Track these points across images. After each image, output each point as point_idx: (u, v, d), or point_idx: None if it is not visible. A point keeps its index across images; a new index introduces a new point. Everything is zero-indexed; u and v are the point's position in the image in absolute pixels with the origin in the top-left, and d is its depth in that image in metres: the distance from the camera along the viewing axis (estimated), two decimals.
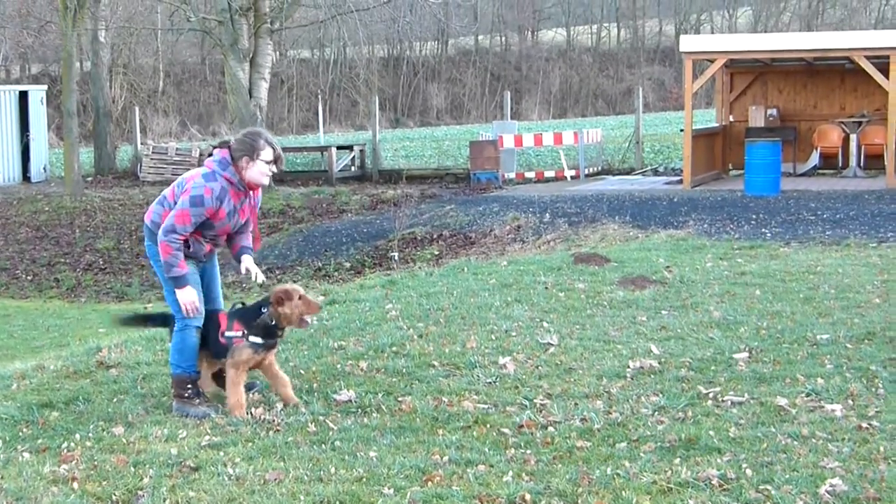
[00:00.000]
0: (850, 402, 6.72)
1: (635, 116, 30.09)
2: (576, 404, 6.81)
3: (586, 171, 27.24)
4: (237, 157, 6.91)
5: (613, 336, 8.86)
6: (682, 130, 24.46)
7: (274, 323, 6.94)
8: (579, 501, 5.20)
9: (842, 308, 9.71)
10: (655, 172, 27.96)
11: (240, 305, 7.18)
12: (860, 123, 25.19)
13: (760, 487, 5.27)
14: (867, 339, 8.45)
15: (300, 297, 6.95)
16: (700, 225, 16.44)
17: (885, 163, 22.93)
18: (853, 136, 25.26)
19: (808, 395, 6.89)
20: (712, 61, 23.75)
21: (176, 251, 6.78)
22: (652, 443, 6.02)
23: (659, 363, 7.81)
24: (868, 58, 22.30)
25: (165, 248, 6.77)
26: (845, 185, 22.61)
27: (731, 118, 27.34)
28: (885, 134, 23.38)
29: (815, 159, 25.96)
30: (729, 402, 6.77)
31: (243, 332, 6.92)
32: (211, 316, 7.14)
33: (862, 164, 25.12)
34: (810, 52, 23.96)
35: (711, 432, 6.15)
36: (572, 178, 26.74)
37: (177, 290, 6.87)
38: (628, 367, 7.75)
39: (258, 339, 6.92)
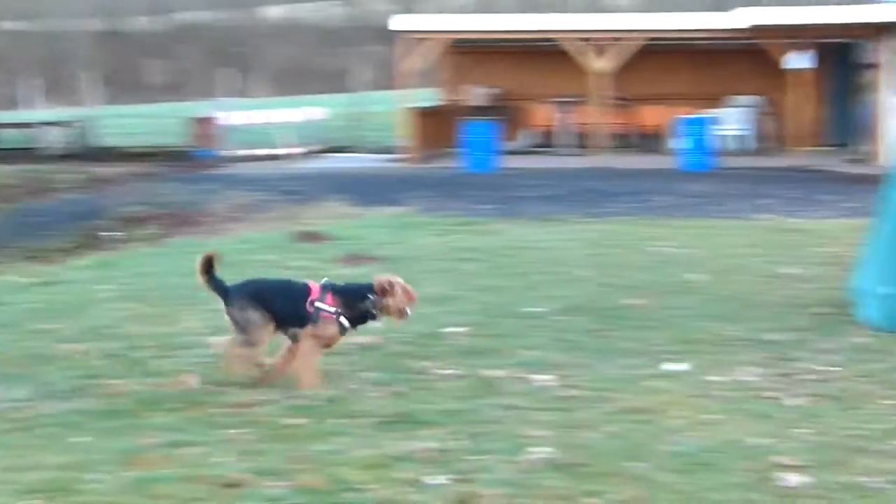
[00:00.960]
0: (558, 372, 6.95)
1: (357, 94, 30.26)
2: (293, 383, 6.79)
3: (309, 149, 27.20)
4: None
5: None
6: (402, 109, 24.75)
7: (374, 312, 6.80)
8: (293, 479, 5.19)
9: (553, 282, 10.05)
10: (377, 150, 28.19)
11: (330, 281, 6.96)
12: (572, 103, 26.13)
13: (470, 458, 5.39)
14: (575, 311, 8.78)
15: (402, 288, 6.84)
16: (420, 202, 16.66)
17: (595, 142, 23.91)
18: (565, 116, 26.20)
19: (518, 366, 7.10)
20: (430, 41, 24.14)
21: None
22: (368, 418, 6.07)
23: (378, 339, 7.87)
24: (581, 41, 23.18)
25: None
26: (558, 163, 23.45)
27: (452, 97, 27.87)
28: (595, 114, 24.36)
29: (530, 137, 26.78)
30: (444, 376, 6.90)
31: (337, 310, 6.71)
32: (296, 284, 6.92)
33: (574, 143, 26.08)
34: (522, 34, 24.72)
35: (426, 406, 6.25)
36: (294, 155, 26.62)
37: None
38: (348, 343, 7.75)
39: (346, 323, 6.75)
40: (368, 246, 12.38)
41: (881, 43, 23.41)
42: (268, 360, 6.82)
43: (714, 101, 26.39)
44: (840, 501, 4.89)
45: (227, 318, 6.80)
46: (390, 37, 27.18)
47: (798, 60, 25.20)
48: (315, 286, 6.85)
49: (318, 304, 6.73)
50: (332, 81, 69.92)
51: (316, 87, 68.36)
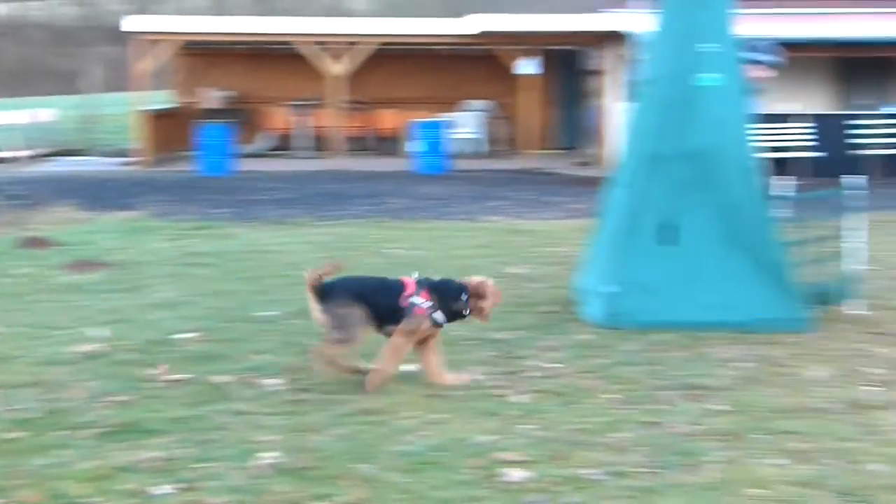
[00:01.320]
0: (287, 376, 6.94)
1: (89, 96, 29.41)
2: (12, 395, 6.53)
3: (36, 152, 26.24)
4: None
5: (58, 321, 8.60)
6: (135, 111, 24.22)
7: (465, 312, 6.66)
8: (10, 495, 4.99)
9: (285, 285, 10.00)
10: (110, 153, 27.48)
11: (424, 276, 6.74)
12: (309, 107, 26.16)
13: (196, 466, 5.31)
14: (307, 314, 8.73)
15: (493, 292, 6.73)
16: (153, 206, 16.34)
17: (332, 145, 24.00)
18: (302, 119, 26.20)
19: (248, 371, 7.05)
20: (164, 42, 23.71)
21: None
22: (92, 429, 5.89)
23: (104, 347, 7.67)
24: (317, 44, 23.23)
25: None
26: (295, 166, 23.42)
27: (187, 99, 27.45)
28: (332, 117, 24.45)
29: (267, 140, 26.67)
30: (172, 383, 6.77)
31: (431, 305, 6.54)
32: (388, 283, 6.72)
33: (310, 146, 26.11)
34: (257, 36, 24.61)
35: (153, 414, 6.12)
36: (21, 158, 25.65)
37: None
38: (73, 352, 7.54)
39: (440, 318, 6.59)
40: (97, 251, 12.06)
41: (605, 50, 24.36)
42: (362, 365, 6.69)
43: (449, 105, 26.90)
44: (559, 493, 5.05)
45: (320, 316, 6.67)
46: (123, 38, 26.54)
47: (527, 66, 25.99)
48: (410, 281, 6.73)
49: (412, 299, 6.63)
50: (63, 82, 67.69)
51: (45, 87, 66.02)
